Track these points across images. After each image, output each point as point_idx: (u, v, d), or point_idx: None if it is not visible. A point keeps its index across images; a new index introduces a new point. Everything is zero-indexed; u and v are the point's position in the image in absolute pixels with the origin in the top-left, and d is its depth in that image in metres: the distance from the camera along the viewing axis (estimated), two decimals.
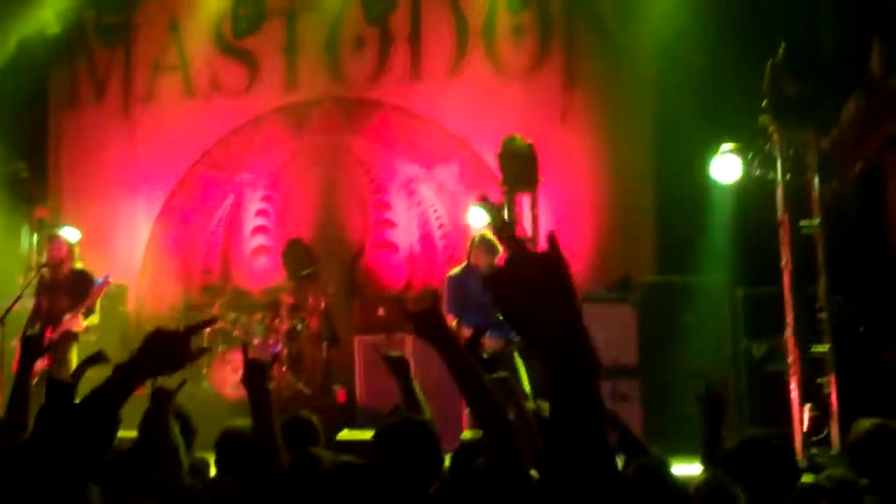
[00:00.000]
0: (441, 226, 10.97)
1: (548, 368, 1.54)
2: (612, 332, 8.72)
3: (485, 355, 7.45)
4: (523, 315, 1.56)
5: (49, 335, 7.73)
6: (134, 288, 10.85)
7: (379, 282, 10.89)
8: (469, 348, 7.32)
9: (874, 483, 3.25)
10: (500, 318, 1.58)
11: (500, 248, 8.07)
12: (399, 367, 4.30)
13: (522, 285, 1.55)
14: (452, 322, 7.72)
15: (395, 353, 4.44)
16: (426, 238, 10.99)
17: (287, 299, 9.97)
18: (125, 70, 11.44)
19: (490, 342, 7.57)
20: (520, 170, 9.66)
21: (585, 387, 1.52)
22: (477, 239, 7.98)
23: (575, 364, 1.53)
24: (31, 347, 4.72)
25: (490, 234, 8.16)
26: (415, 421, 4.11)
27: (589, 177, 10.53)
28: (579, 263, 10.35)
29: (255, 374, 3.67)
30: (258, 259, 11.18)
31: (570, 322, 1.53)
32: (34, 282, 8.10)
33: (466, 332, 7.68)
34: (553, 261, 1.56)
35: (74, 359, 7.91)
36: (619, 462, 3.45)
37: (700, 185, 8.48)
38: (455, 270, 8.09)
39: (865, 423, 3.65)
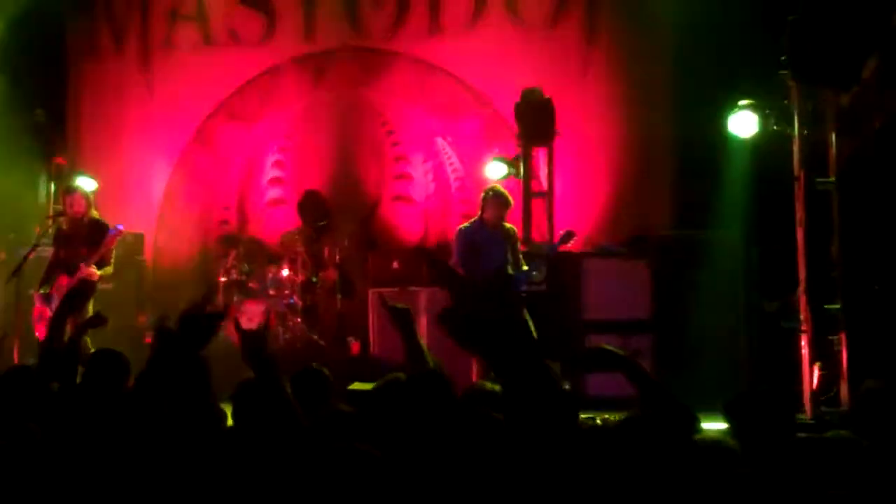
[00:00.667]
0: (458, 179, 10.94)
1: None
2: (626, 287, 8.73)
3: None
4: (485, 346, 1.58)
5: (66, 284, 7.81)
6: (150, 238, 10.88)
7: (394, 235, 10.90)
8: (492, 290, 7.40)
9: (879, 444, 3.23)
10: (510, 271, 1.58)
11: (512, 202, 8.04)
12: (401, 318, 4.27)
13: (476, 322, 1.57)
14: (459, 272, 7.73)
15: (398, 304, 4.42)
16: (442, 192, 10.97)
17: (302, 251, 9.99)
18: (143, 19, 11.39)
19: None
20: (537, 123, 9.62)
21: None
22: (489, 192, 7.96)
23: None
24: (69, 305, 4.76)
25: (500, 188, 8.12)
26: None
27: (607, 131, 10.46)
28: (595, 218, 10.33)
29: (252, 344, 3.61)
30: (274, 210, 11.20)
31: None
32: (51, 231, 8.14)
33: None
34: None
35: (91, 308, 7.98)
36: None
37: (718, 140, 8.41)
38: (466, 224, 8.08)
39: (872, 384, 3.64)
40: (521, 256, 8.01)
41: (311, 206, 10.64)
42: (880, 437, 3.24)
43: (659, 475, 2.76)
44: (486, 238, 7.81)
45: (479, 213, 7.97)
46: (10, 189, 9.76)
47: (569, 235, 8.03)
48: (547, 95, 9.63)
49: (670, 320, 8.58)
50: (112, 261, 8.19)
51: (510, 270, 7.79)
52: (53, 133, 10.36)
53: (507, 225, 8.02)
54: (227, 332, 9.56)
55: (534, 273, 7.88)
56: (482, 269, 7.70)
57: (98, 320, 4.96)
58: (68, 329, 5.49)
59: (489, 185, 8.22)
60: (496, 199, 7.87)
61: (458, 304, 5.65)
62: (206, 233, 11.09)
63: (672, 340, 8.51)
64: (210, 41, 11.27)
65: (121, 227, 8.25)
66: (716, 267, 8.52)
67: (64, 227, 8.12)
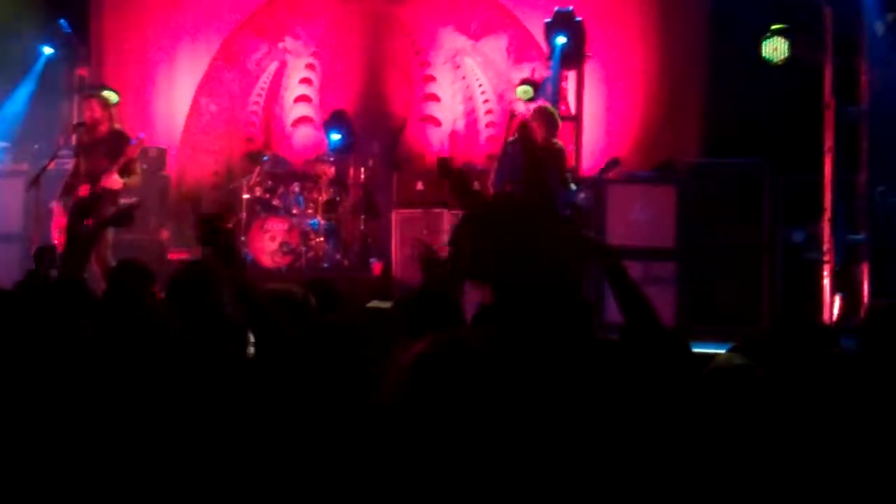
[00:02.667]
0: (486, 101, 10.80)
1: None
2: (650, 214, 8.62)
3: None
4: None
5: (87, 193, 7.80)
6: (174, 153, 10.87)
7: (420, 156, 10.82)
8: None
9: (887, 362, 3.16)
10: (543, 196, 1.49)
11: (559, 123, 7.85)
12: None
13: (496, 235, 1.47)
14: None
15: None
16: (470, 114, 10.84)
17: (327, 170, 9.93)
18: None
19: None
20: (568, 45, 9.45)
21: None
22: (536, 110, 7.75)
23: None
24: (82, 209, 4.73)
25: (551, 107, 7.93)
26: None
27: (639, 55, 10.26)
28: (623, 144, 10.19)
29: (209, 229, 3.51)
30: (300, 129, 11.14)
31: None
32: (72, 142, 8.11)
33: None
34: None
35: None
36: None
37: (749, 66, 8.21)
38: (510, 140, 7.89)
39: (881, 303, 3.56)
40: (567, 175, 7.83)
41: (337, 125, 10.57)
42: (888, 355, 3.18)
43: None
44: (522, 159, 7.62)
45: (525, 132, 7.75)
46: (33, 101, 9.76)
47: (615, 162, 7.84)
48: (579, 17, 9.46)
49: (694, 249, 8.49)
50: (138, 170, 8.14)
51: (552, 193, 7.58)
52: (76, 45, 10.28)
53: (557, 143, 7.82)
54: (250, 250, 9.67)
55: (576, 196, 7.71)
56: (518, 190, 7.55)
57: (123, 218, 4.92)
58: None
59: (539, 105, 8.00)
60: (542, 118, 7.67)
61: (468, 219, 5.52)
62: (230, 149, 11.05)
63: (695, 269, 8.42)
64: None
65: (142, 135, 8.21)
66: (742, 195, 8.38)
67: (84, 137, 8.07)
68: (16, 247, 9.07)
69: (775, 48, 7.43)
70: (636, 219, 8.57)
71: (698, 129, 9.86)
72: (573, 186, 7.70)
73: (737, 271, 8.32)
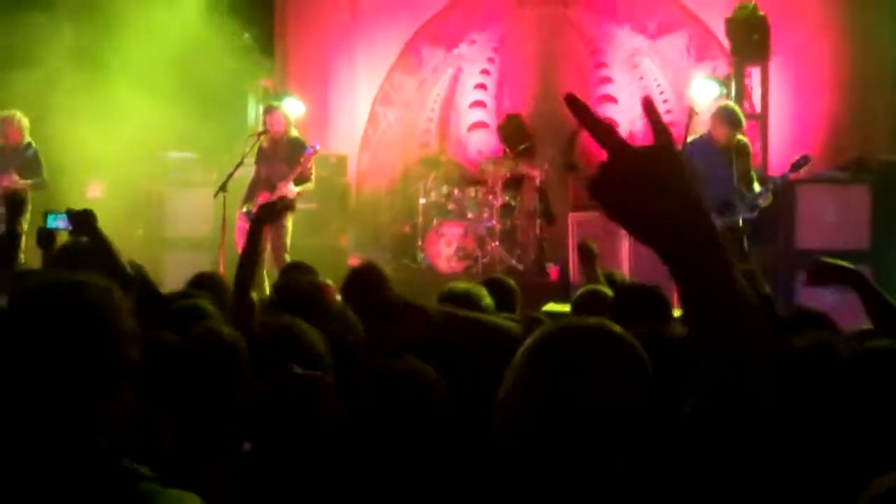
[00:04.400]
0: (665, 101, 10.53)
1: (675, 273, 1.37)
2: (843, 215, 8.20)
3: None
4: (638, 219, 1.37)
5: (266, 199, 8.02)
6: (354, 159, 11.06)
7: (596, 160, 10.62)
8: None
9: None
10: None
11: (744, 122, 7.56)
12: (584, 255, 4.39)
13: (631, 187, 1.35)
14: None
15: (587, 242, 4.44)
16: None
17: (502, 174, 9.89)
18: None
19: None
20: (751, 40, 9.13)
21: (724, 294, 1.35)
22: (719, 109, 7.49)
23: (709, 270, 1.35)
24: (263, 214, 4.87)
25: (733, 105, 7.65)
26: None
27: (825, 50, 9.80)
28: (812, 142, 9.74)
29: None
30: (475, 133, 11.14)
31: (693, 219, 1.35)
32: (254, 150, 8.35)
33: None
34: (659, 152, 1.36)
35: (290, 225, 8.19)
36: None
37: None
38: (691, 139, 7.65)
39: None
40: (753, 175, 7.52)
41: (512, 129, 10.53)
42: None
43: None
44: (709, 159, 7.38)
45: (708, 130, 7.53)
46: (220, 111, 10.09)
47: (804, 160, 7.45)
48: (761, 11, 9.11)
49: (891, 251, 8.00)
50: (312, 177, 8.35)
51: (736, 194, 7.31)
52: (260, 55, 10.61)
53: (742, 140, 7.52)
54: (427, 254, 9.72)
55: (761, 198, 7.38)
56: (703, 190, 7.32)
57: (271, 215, 5.07)
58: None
59: (722, 103, 7.72)
60: (725, 116, 7.39)
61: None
62: (407, 154, 11.16)
63: (893, 272, 7.94)
64: None
65: (317, 146, 8.40)
66: None
67: (265, 145, 8.32)
68: (206, 253, 9.39)
69: None
70: (828, 220, 8.16)
71: (890, 125, 9.32)
72: (757, 187, 7.38)
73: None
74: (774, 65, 9.48)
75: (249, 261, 4.37)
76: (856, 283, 3.22)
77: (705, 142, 7.39)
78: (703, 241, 1.36)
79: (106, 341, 1.68)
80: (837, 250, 7.89)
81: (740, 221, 7.30)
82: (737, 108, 7.53)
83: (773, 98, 9.49)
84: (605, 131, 1.37)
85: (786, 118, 9.80)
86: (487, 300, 3.90)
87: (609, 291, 4.33)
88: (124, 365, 1.71)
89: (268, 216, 4.93)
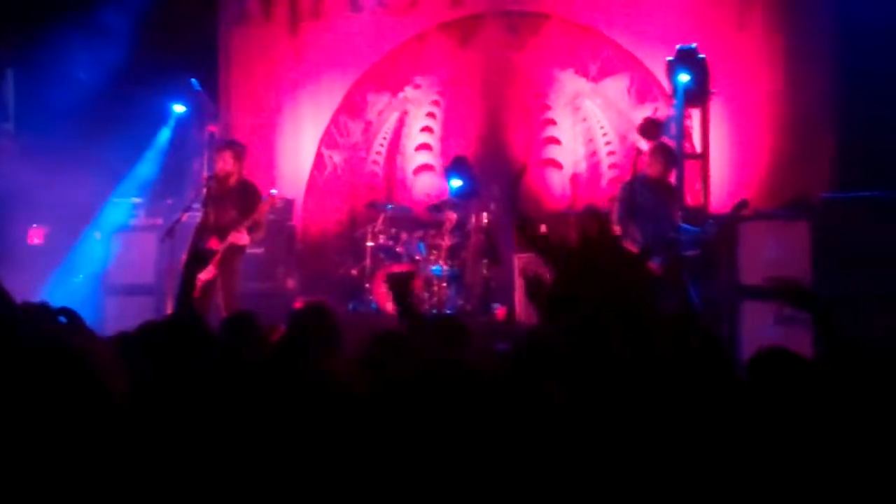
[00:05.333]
0: (608, 143, 10.67)
1: None
2: (784, 251, 8.32)
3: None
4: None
5: (216, 246, 7.95)
6: (300, 202, 11.05)
7: (542, 200, 10.73)
8: (636, 266, 7.16)
9: None
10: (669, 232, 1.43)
11: (677, 159, 7.71)
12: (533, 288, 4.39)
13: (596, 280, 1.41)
14: (618, 232, 7.49)
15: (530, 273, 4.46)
16: (591, 156, 10.72)
17: (450, 216, 9.94)
18: None
19: (654, 265, 7.34)
20: (691, 82, 9.29)
21: None
22: (655, 147, 7.65)
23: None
24: (201, 257, 4.86)
25: (668, 144, 7.82)
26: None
27: (765, 89, 9.99)
28: (754, 181, 9.91)
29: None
30: (422, 176, 11.19)
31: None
32: (201, 194, 8.28)
33: (630, 246, 7.45)
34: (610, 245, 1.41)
35: (240, 270, 8.12)
36: None
37: (884, 92, 7.91)
38: (629, 181, 7.82)
39: None
40: (679, 214, 7.70)
41: (457, 171, 10.58)
42: None
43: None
44: (653, 197, 7.51)
45: (644, 169, 7.65)
46: (165, 158, 10.07)
47: (743, 205, 7.64)
48: (701, 53, 9.29)
49: (832, 286, 8.12)
50: (264, 223, 8.29)
51: (675, 230, 7.48)
52: (206, 102, 10.60)
53: (670, 182, 7.71)
54: (375, 297, 9.71)
55: (702, 235, 7.54)
56: (644, 229, 7.44)
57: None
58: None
59: (656, 142, 7.91)
60: (661, 154, 7.54)
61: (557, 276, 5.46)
62: (353, 198, 11.17)
63: (833, 307, 8.05)
64: (357, 8, 11.29)
65: (274, 193, 8.37)
66: (881, 228, 8.02)
67: (214, 189, 8.22)
68: (150, 299, 9.30)
69: None
70: (769, 257, 8.27)
71: (831, 163, 9.52)
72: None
73: (878, 312, 7.93)
74: (715, 105, 9.67)
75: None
76: (813, 307, 3.22)
77: (645, 180, 7.55)
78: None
79: None
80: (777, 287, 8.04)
81: (681, 256, 7.45)
82: (671, 147, 7.69)
83: (714, 138, 9.66)
84: (552, 253, 1.42)
85: (726, 157, 9.97)
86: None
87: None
88: None
89: (200, 263, 4.95)
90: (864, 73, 8.74)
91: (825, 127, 9.63)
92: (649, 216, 7.48)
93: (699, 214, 8.77)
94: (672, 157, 7.58)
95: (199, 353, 3.45)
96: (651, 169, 7.57)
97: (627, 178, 8.96)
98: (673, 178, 7.99)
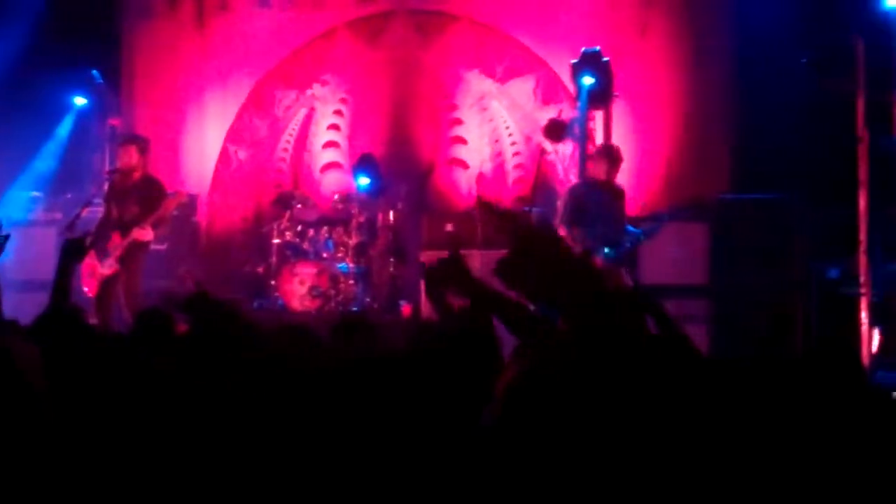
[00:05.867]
0: (513, 143, 10.80)
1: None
2: (683, 251, 8.56)
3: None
4: (546, 293, 1.49)
5: (119, 242, 7.85)
6: (204, 199, 10.93)
7: (448, 199, 10.81)
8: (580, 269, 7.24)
9: None
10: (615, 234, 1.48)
11: (621, 158, 7.78)
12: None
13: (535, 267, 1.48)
14: (563, 234, 7.53)
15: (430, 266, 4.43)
16: (497, 156, 10.84)
17: (356, 215, 9.96)
18: None
19: (599, 262, 7.41)
20: (595, 85, 9.45)
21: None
22: (599, 148, 7.74)
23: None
24: (73, 250, 4.82)
25: (612, 144, 7.87)
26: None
27: (666, 92, 10.25)
28: (655, 182, 10.15)
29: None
30: (329, 173, 11.17)
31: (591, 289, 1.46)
32: (103, 189, 8.17)
33: (576, 246, 7.51)
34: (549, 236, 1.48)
35: (142, 266, 8.03)
36: None
37: (779, 99, 8.20)
38: (575, 183, 7.89)
39: None
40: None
41: (365, 169, 10.60)
42: None
43: None
44: (597, 198, 7.60)
45: (589, 171, 7.72)
46: (65, 152, 9.87)
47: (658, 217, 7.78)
48: (605, 56, 9.47)
49: (727, 285, 8.40)
50: (168, 220, 8.21)
51: (620, 231, 7.58)
52: (108, 94, 10.41)
53: (616, 184, 7.80)
54: (280, 294, 9.68)
55: (645, 236, 7.68)
56: (590, 231, 7.50)
57: (80, 250, 5.07)
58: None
59: (601, 143, 7.97)
60: (605, 154, 7.63)
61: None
62: (259, 195, 11.10)
63: (728, 306, 8.34)
64: (265, 4, 11.21)
65: (180, 190, 8.29)
66: (775, 229, 8.32)
67: (117, 184, 8.13)
68: (48, 295, 9.09)
69: (806, 81, 7.40)
70: (668, 257, 8.51)
71: (728, 165, 9.82)
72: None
73: (771, 308, 8.24)
74: (617, 108, 9.86)
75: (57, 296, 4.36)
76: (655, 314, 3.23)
77: (590, 181, 7.62)
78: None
79: None
80: (677, 285, 8.28)
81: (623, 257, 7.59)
82: (616, 148, 7.75)
83: (616, 140, 9.83)
84: (510, 221, 1.48)
85: (628, 159, 10.12)
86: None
87: None
88: None
89: (76, 252, 4.89)
90: (760, 79, 9.03)
91: (723, 130, 9.92)
92: (594, 218, 7.57)
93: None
94: (616, 157, 7.67)
95: (78, 345, 3.43)
96: (595, 170, 7.65)
97: (531, 178, 9.11)
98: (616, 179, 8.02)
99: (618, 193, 7.79)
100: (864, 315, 6.67)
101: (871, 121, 6.84)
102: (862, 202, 6.82)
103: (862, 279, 6.71)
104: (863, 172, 6.85)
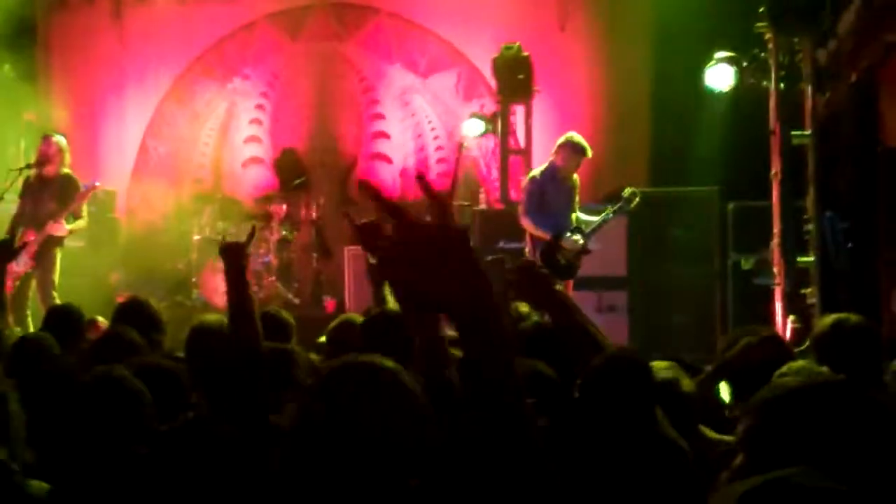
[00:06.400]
0: (436, 137, 10.84)
1: (462, 343, 1.47)
2: (601, 243, 8.66)
3: (563, 261, 7.40)
4: (426, 293, 1.46)
5: (32, 238, 7.70)
6: (123, 194, 10.76)
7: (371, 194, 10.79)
8: (546, 255, 7.25)
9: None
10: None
11: (590, 153, 7.80)
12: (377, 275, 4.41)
13: (419, 263, 1.44)
14: (527, 224, 7.53)
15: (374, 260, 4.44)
16: (420, 150, 10.87)
17: (278, 209, 9.91)
18: None
19: (568, 245, 7.42)
20: (515, 80, 9.52)
21: (500, 360, 1.45)
22: (567, 140, 7.72)
23: (488, 339, 1.45)
24: (1, 252, 4.79)
25: (578, 136, 7.85)
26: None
27: (586, 87, 10.38)
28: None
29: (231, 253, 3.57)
30: (250, 168, 11.09)
31: (478, 293, 1.45)
32: (18, 183, 8.00)
33: (543, 236, 7.51)
34: (447, 231, 1.46)
35: (58, 263, 7.89)
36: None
37: (695, 94, 8.37)
38: (535, 172, 7.86)
39: (827, 319, 3.65)
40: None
41: (287, 164, 10.56)
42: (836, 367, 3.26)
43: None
44: (556, 188, 7.62)
45: (552, 160, 7.73)
46: None
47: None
48: (525, 51, 9.54)
49: (645, 277, 8.55)
50: (84, 215, 8.06)
51: (575, 221, 7.62)
52: (23, 88, 10.18)
53: (575, 176, 7.83)
54: (202, 290, 9.58)
55: (599, 228, 7.72)
56: (549, 220, 7.50)
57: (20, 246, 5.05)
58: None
59: (567, 134, 7.94)
60: (574, 148, 7.63)
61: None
62: (180, 190, 10.97)
63: (647, 297, 8.49)
64: None
65: (97, 182, 8.14)
66: (691, 223, 8.50)
67: (32, 179, 7.97)
68: None
69: (721, 76, 7.54)
70: (590, 249, 8.60)
71: (646, 158, 9.99)
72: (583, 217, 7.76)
73: (688, 298, 8.42)
74: (538, 102, 9.94)
75: None
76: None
77: (551, 172, 7.62)
78: (484, 310, 1.46)
79: None
80: (599, 276, 8.39)
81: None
82: (582, 140, 7.77)
83: (537, 134, 9.93)
84: (395, 213, 1.45)
85: (548, 153, 10.27)
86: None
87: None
88: None
89: (5, 255, 4.86)
90: (675, 76, 9.20)
91: (642, 123, 10.09)
92: (553, 209, 7.58)
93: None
94: (580, 151, 7.68)
95: None
96: (567, 163, 7.64)
97: (450, 174, 9.14)
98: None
99: (576, 186, 7.82)
100: (778, 305, 6.84)
101: (784, 114, 7.00)
102: (775, 195, 6.98)
103: (776, 269, 6.87)
104: (775, 165, 7.00)
